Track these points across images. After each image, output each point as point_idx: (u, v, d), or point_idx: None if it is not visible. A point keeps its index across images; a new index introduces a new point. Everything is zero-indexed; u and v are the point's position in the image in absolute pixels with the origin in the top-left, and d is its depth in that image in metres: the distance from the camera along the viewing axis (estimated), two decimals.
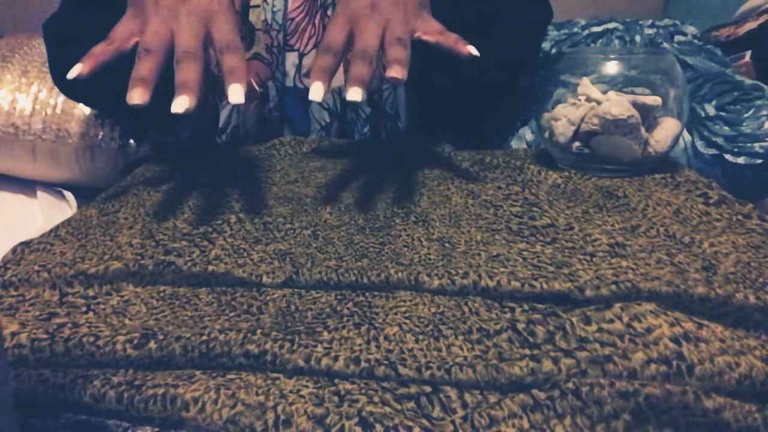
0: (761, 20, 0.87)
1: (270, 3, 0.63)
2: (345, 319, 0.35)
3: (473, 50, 0.48)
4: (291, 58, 0.65)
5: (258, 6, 0.63)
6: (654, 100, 0.54)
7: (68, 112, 0.82)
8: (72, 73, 0.43)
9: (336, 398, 0.30)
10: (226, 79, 0.43)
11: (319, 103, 0.67)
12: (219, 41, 0.45)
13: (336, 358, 0.32)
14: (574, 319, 0.33)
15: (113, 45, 0.45)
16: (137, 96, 0.41)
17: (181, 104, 0.40)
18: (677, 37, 0.78)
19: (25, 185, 0.88)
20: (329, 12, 0.64)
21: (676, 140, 0.55)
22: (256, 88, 0.54)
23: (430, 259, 0.40)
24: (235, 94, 0.42)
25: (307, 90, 0.67)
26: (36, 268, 0.40)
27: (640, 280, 0.36)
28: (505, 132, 0.74)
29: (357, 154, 0.63)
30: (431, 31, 0.49)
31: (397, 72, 0.44)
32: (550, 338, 0.33)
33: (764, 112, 0.66)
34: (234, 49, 0.44)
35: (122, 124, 0.70)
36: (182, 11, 0.44)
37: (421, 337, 0.34)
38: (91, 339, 0.33)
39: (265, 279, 0.39)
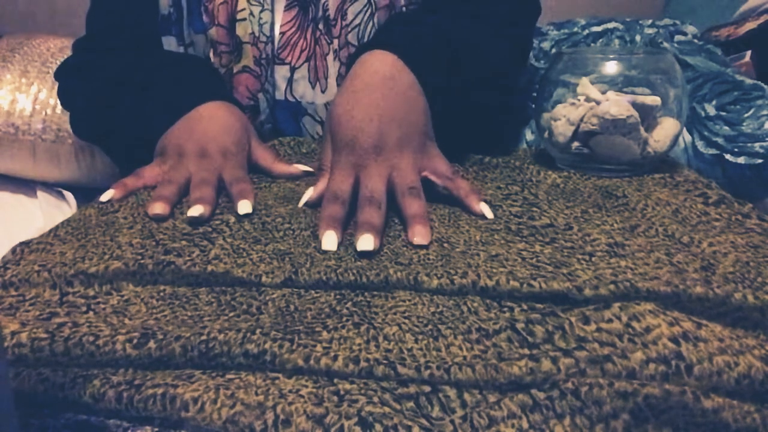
0: (761, 20, 0.87)
1: (257, 16, 0.64)
2: (344, 318, 0.35)
3: (487, 211, 0.47)
4: (281, 71, 0.66)
5: (245, 19, 0.64)
6: (653, 100, 0.54)
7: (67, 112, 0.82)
8: (105, 197, 0.51)
9: (335, 398, 0.30)
10: (235, 198, 0.49)
11: (311, 116, 0.67)
12: (228, 178, 0.52)
13: (335, 358, 0.32)
14: (573, 319, 0.33)
15: (141, 181, 0.53)
16: (159, 207, 0.47)
17: (196, 210, 0.46)
18: (677, 37, 0.78)
19: (25, 185, 0.88)
20: (321, 26, 0.65)
21: (675, 140, 0.55)
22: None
23: (429, 258, 0.40)
24: (244, 207, 0.47)
25: (297, 103, 0.68)
26: (36, 267, 0.40)
27: (639, 279, 0.36)
28: (504, 135, 0.74)
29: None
30: (440, 173, 0.49)
31: (421, 238, 0.43)
32: (549, 338, 0.33)
33: (764, 112, 0.66)
34: (241, 180, 0.51)
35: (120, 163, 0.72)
36: (200, 166, 0.52)
37: (420, 336, 0.34)
38: (91, 338, 0.33)
39: (264, 279, 0.39)
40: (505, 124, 0.73)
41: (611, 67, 0.56)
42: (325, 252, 0.42)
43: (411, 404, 0.30)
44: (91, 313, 0.37)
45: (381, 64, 0.52)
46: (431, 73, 0.53)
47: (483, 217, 0.46)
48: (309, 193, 0.49)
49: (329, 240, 0.43)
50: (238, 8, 0.64)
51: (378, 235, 0.43)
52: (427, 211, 0.45)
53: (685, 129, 0.67)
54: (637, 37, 0.79)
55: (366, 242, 0.41)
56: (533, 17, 0.69)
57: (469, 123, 0.60)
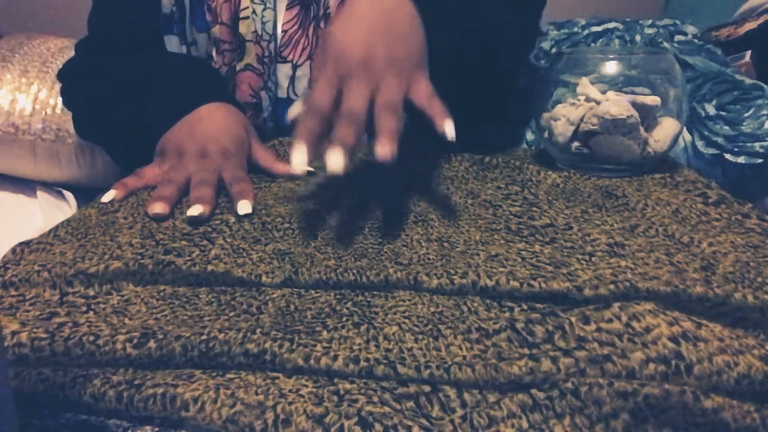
0: (761, 20, 0.87)
1: (259, 14, 0.64)
2: (344, 318, 0.35)
3: (450, 131, 0.46)
4: (284, 70, 0.66)
5: (247, 18, 0.64)
6: (653, 99, 0.54)
7: (68, 112, 0.82)
8: (106, 198, 0.51)
9: (335, 397, 0.30)
10: (235, 198, 0.49)
11: None
12: (228, 178, 0.52)
13: (335, 358, 0.32)
14: (572, 319, 0.33)
15: (142, 180, 0.54)
16: (159, 207, 0.47)
17: (195, 210, 0.47)
18: (677, 37, 0.79)
19: (25, 185, 0.88)
20: (323, 24, 0.65)
21: (675, 140, 0.55)
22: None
23: (429, 258, 0.40)
24: (244, 207, 0.48)
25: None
26: (36, 267, 0.40)
27: (639, 279, 0.36)
28: (503, 132, 0.74)
29: (356, 154, 0.63)
30: (421, 95, 0.48)
31: (384, 149, 0.42)
32: (549, 338, 0.33)
33: (764, 112, 0.67)
34: (241, 180, 0.51)
35: (120, 161, 0.73)
36: (200, 165, 0.53)
37: (420, 336, 0.34)
38: (91, 338, 0.33)
39: (264, 279, 0.39)
40: (506, 111, 0.72)
41: (611, 67, 0.56)
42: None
43: (411, 404, 0.30)
44: (91, 313, 0.37)
45: None
46: (433, 10, 0.52)
47: (445, 137, 0.45)
48: (297, 107, 0.47)
49: (300, 154, 0.42)
50: (241, 6, 0.64)
51: (349, 153, 0.42)
52: (399, 130, 0.44)
53: (685, 129, 0.67)
54: (637, 37, 0.79)
55: (335, 158, 0.41)
56: (539, 5, 0.69)
57: (466, 96, 0.59)
